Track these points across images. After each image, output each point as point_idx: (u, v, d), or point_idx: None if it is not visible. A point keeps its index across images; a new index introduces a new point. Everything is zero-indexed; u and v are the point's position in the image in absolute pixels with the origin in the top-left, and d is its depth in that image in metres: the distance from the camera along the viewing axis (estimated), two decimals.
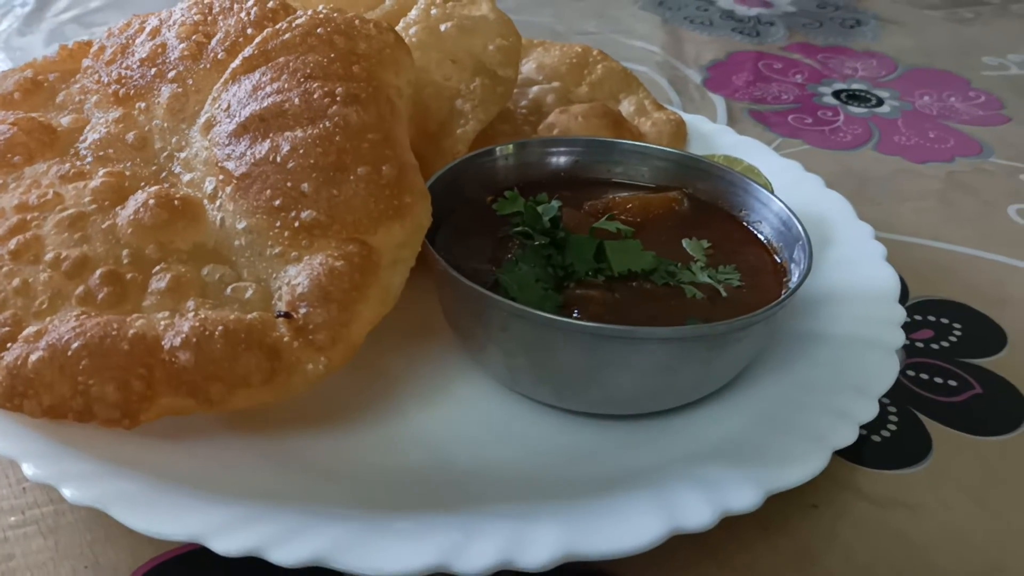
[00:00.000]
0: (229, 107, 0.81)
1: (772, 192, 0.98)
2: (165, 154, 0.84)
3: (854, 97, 1.52)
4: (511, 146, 0.97)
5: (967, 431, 0.85)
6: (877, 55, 1.69)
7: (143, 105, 0.87)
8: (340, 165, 0.76)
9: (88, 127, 0.87)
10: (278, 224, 0.75)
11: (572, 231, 0.86)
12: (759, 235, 0.90)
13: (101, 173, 0.81)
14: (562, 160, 0.99)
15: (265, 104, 0.79)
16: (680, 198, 0.94)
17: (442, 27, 1.02)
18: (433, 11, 1.04)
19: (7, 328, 0.72)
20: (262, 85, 0.81)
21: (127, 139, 0.85)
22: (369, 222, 0.75)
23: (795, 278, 0.82)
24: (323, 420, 0.78)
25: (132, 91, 0.87)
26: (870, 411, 0.76)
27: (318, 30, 0.85)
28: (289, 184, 0.75)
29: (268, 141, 0.77)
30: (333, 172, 0.76)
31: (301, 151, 0.76)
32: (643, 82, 1.33)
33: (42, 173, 0.82)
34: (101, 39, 0.94)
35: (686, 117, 1.22)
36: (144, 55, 0.88)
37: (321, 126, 0.77)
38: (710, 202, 0.95)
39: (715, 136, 1.20)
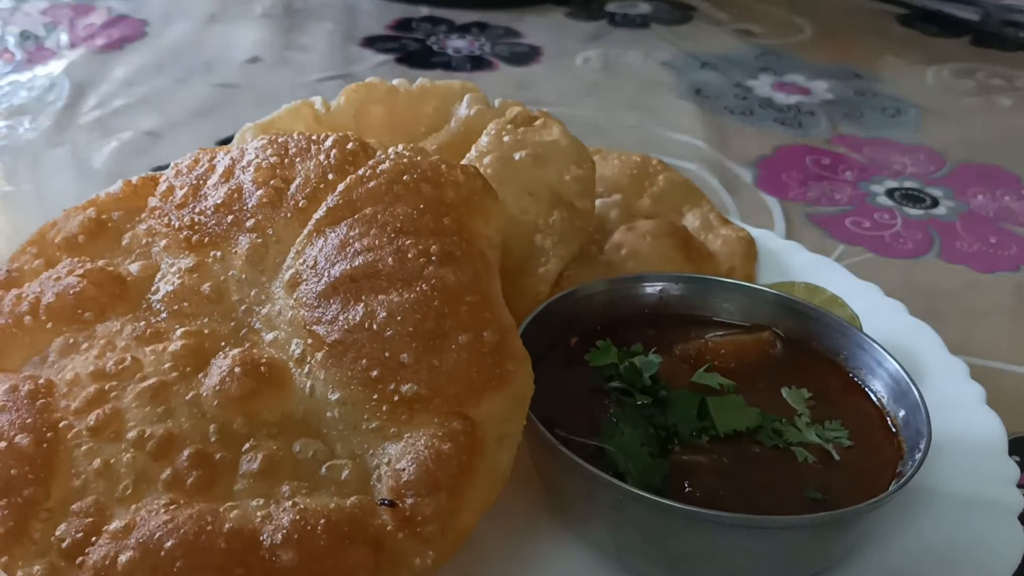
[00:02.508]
0: (316, 264, 0.77)
1: (862, 331, 0.95)
2: (244, 308, 0.80)
3: (908, 197, 1.49)
4: (595, 285, 0.94)
5: None
6: (923, 148, 1.67)
7: (218, 254, 0.82)
8: (440, 332, 0.72)
9: (159, 276, 0.83)
10: (375, 397, 0.70)
11: (665, 378, 0.83)
12: (861, 383, 0.86)
13: (179, 333, 0.77)
14: (645, 297, 0.95)
15: (356, 263, 0.75)
16: (772, 340, 0.91)
17: (516, 156, 0.99)
18: (505, 137, 1.01)
19: (90, 519, 0.67)
20: (350, 240, 0.77)
21: (203, 290, 0.80)
22: (471, 394, 0.71)
23: (912, 442, 0.78)
24: None
25: (206, 238, 0.83)
26: None
27: (404, 177, 0.82)
28: (387, 354, 0.71)
29: (362, 305, 0.73)
30: (433, 340, 0.72)
31: (399, 318, 0.72)
32: (694, 182, 1.31)
33: (116, 332, 0.78)
34: (168, 176, 0.90)
35: (753, 232, 1.19)
36: (219, 200, 0.84)
37: (418, 289, 0.74)
38: (803, 342, 0.91)
39: (785, 255, 1.16)
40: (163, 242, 0.85)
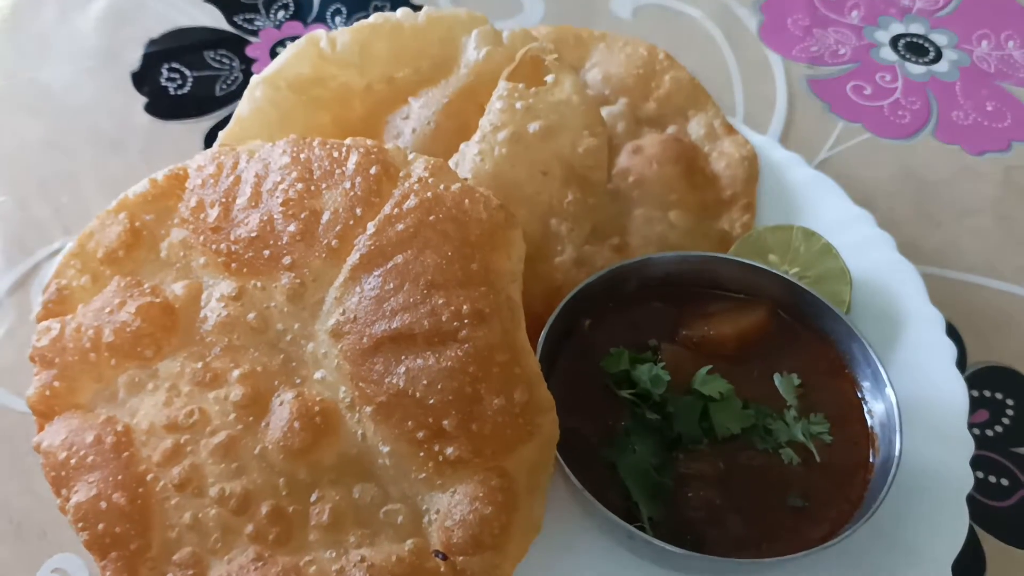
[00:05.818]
0: (356, 319, 0.83)
1: (851, 288, 1.03)
2: (289, 338, 0.87)
3: (911, 47, 1.48)
4: (608, 271, 0.99)
5: (1020, 545, 0.95)
6: None
7: (258, 284, 0.87)
8: (476, 397, 0.81)
9: (204, 299, 0.89)
10: (421, 454, 0.81)
11: (671, 368, 0.93)
12: (846, 368, 0.96)
13: (235, 376, 0.85)
14: (653, 273, 1.01)
15: (394, 325, 0.82)
16: (770, 320, 0.99)
17: (530, 128, 1.00)
18: (518, 104, 1.01)
19: (191, 570, 0.80)
20: (386, 295, 0.83)
21: (248, 320, 0.87)
22: (505, 450, 0.81)
23: (885, 439, 0.89)
24: None
25: (245, 268, 0.88)
26: None
27: (430, 218, 0.85)
28: (431, 420, 0.80)
29: (403, 368, 0.81)
30: (470, 406, 0.80)
31: (439, 386, 0.80)
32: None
33: (177, 375, 0.86)
34: (194, 186, 0.92)
35: (754, 140, 1.22)
36: (253, 232, 0.88)
37: (453, 355, 0.81)
38: (798, 321, 0.99)
39: (785, 170, 1.19)
40: (202, 259, 0.90)
